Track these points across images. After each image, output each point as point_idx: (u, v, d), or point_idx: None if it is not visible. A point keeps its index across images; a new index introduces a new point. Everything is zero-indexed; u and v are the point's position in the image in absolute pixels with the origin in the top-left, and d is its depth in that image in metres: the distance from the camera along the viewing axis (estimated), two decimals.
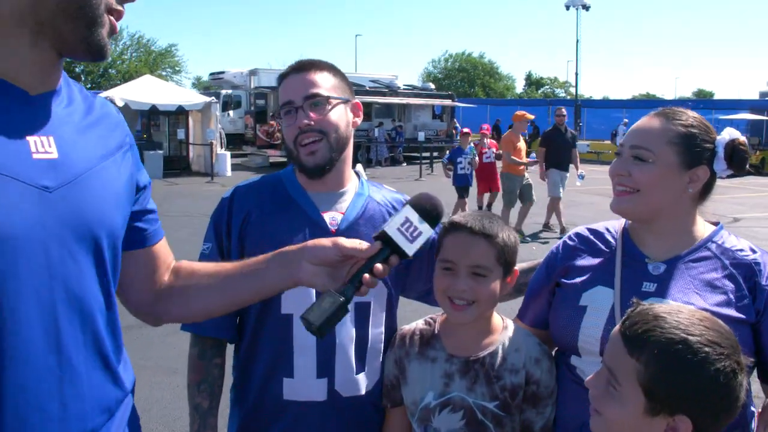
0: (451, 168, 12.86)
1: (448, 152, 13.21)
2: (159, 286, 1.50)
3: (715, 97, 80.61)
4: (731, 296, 1.67)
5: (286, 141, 1.93)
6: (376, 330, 1.97)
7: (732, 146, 1.75)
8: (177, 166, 22.92)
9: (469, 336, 1.86)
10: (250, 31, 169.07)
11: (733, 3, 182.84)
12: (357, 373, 1.93)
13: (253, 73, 31.52)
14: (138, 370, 1.50)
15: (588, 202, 15.74)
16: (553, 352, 1.92)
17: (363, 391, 1.94)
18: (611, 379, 1.31)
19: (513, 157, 11.73)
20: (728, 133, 1.76)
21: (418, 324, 2.00)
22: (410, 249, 1.39)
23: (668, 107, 1.84)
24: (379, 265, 1.38)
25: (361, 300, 1.70)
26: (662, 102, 46.38)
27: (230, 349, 2.02)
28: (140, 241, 1.43)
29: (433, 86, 36.33)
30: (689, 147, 1.72)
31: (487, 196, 13.17)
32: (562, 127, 12.29)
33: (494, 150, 13.02)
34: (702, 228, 1.81)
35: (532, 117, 12.01)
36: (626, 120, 31.80)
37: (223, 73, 34.33)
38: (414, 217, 1.40)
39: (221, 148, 22.61)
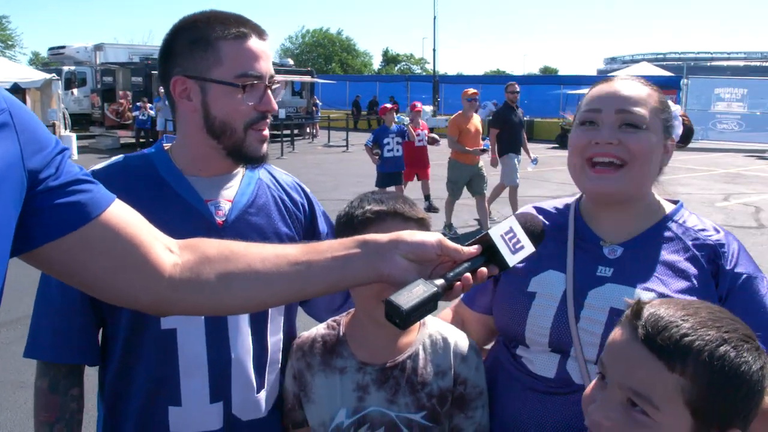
0: (377, 152, 10.93)
1: (371, 135, 11.20)
2: (160, 266, 1.16)
3: (560, 73, 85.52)
4: (695, 281, 1.51)
5: (228, 119, 1.57)
6: (275, 338, 1.70)
7: (682, 118, 1.67)
8: None
9: (382, 339, 1.59)
10: (93, 3, 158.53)
11: None
12: (257, 392, 1.65)
13: (98, 48, 29.47)
14: None
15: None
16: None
17: (264, 412, 1.67)
18: (641, 404, 1.06)
19: (458, 143, 9.89)
20: (676, 107, 1.67)
21: (319, 330, 1.71)
22: (511, 260, 1.29)
23: (634, 76, 1.67)
24: (484, 269, 1.26)
25: None
26: (512, 77, 48.34)
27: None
28: (76, 217, 1.07)
29: (291, 62, 35.70)
30: (668, 115, 1.60)
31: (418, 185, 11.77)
32: (514, 105, 10.68)
33: (427, 132, 11.64)
34: (661, 205, 1.66)
35: (477, 93, 10.22)
36: (495, 101, 32.70)
37: (64, 47, 31.87)
38: (518, 229, 1.32)
39: (65, 129, 21.05)
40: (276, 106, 1.63)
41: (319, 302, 1.85)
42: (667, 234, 1.59)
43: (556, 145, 24.91)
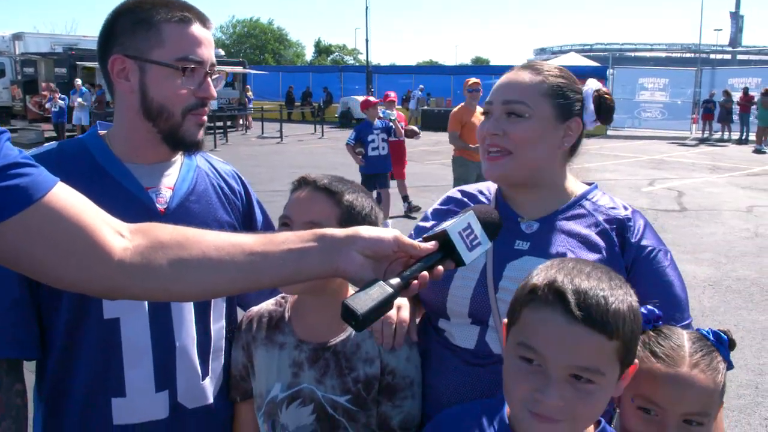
0: (360, 150, 9.88)
1: (353, 132, 10.18)
2: (108, 250, 1.12)
3: (491, 63, 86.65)
4: (604, 253, 1.61)
5: (165, 101, 1.54)
6: (218, 325, 1.70)
7: (598, 96, 1.72)
8: None
9: (321, 319, 1.63)
10: None
11: None
12: (202, 379, 1.64)
13: (17, 37, 28.30)
14: None
15: None
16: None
17: (210, 399, 1.67)
18: (588, 376, 1.13)
19: (461, 138, 8.90)
20: (593, 84, 1.73)
21: (268, 305, 1.75)
22: (468, 257, 1.27)
23: (532, 61, 1.75)
24: (440, 267, 1.24)
25: None
26: (445, 68, 48.74)
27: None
28: (16, 201, 1.03)
29: (223, 53, 35.08)
30: (562, 99, 1.66)
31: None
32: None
33: (403, 125, 10.54)
34: (575, 186, 1.75)
35: (479, 83, 9.17)
36: (422, 86, 32.85)
37: None
38: (477, 225, 1.30)
39: None
40: (215, 94, 1.62)
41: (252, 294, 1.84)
42: (581, 211, 1.69)
43: None
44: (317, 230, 1.25)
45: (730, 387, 4.79)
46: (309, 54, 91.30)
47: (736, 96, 25.55)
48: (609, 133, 27.03)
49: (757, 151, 21.43)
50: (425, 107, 31.28)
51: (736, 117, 25.46)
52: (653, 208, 11.71)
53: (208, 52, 1.59)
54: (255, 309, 1.76)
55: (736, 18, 78.75)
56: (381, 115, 10.04)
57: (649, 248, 1.64)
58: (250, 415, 1.72)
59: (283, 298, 1.75)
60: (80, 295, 1.44)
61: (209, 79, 1.60)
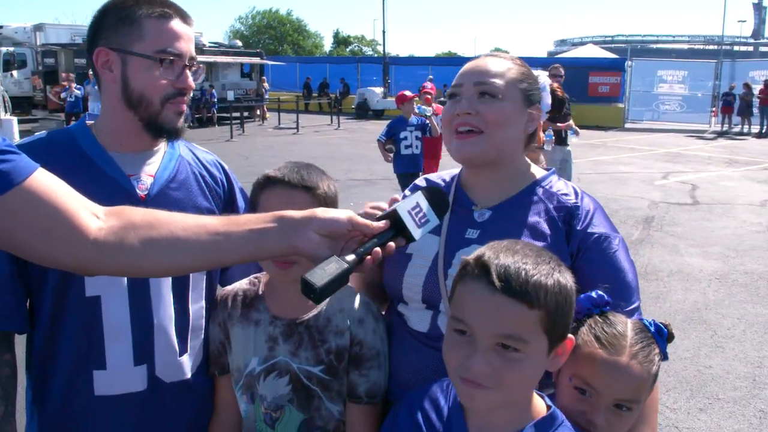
0: (391, 148, 9.26)
1: (385, 127, 9.47)
2: (85, 231, 1.24)
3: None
4: (549, 240, 1.65)
5: (144, 91, 1.66)
6: (197, 305, 1.80)
7: (552, 90, 1.81)
8: None
9: (293, 296, 1.67)
10: None
11: None
12: (180, 356, 1.75)
13: (38, 28, 28.61)
14: None
15: None
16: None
17: (188, 375, 1.77)
18: (513, 344, 1.22)
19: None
20: (545, 78, 1.82)
21: (242, 284, 1.85)
22: (417, 234, 1.41)
23: (495, 51, 1.86)
24: (392, 243, 1.38)
25: None
26: (465, 59, 48.50)
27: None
28: None
29: (240, 44, 35.19)
30: (527, 85, 1.73)
31: None
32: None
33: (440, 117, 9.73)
34: (531, 172, 1.80)
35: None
36: (431, 77, 32.75)
37: (1, 27, 30.80)
38: (424, 204, 1.43)
39: (5, 113, 20.40)
40: (193, 85, 1.73)
41: (235, 274, 1.94)
42: (533, 198, 1.74)
43: None
44: (277, 212, 1.36)
45: (728, 379, 4.84)
46: (327, 45, 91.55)
47: (757, 89, 25.28)
48: (627, 125, 26.91)
49: None
50: (441, 99, 31.23)
51: (756, 110, 25.21)
52: (665, 201, 11.69)
53: (187, 46, 1.69)
54: (229, 288, 1.86)
55: (759, 9, 77.67)
56: (416, 111, 9.35)
57: (596, 235, 1.67)
58: (229, 388, 1.82)
59: (256, 277, 1.86)
60: (64, 273, 1.57)
61: (187, 71, 1.69)
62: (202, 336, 1.82)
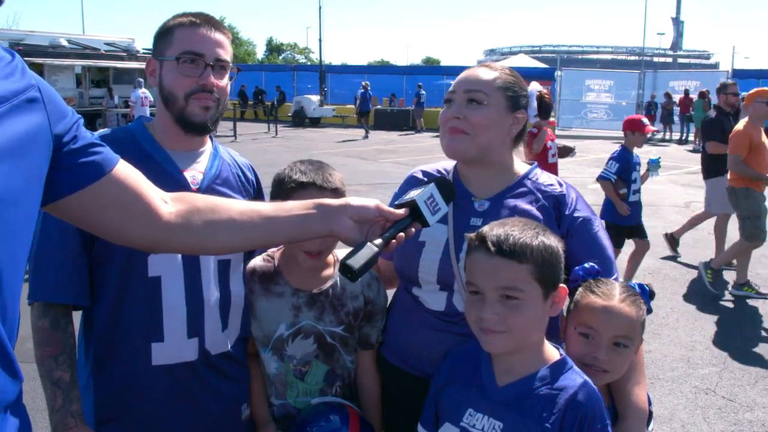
0: (625, 192, 6.80)
1: (611, 161, 6.98)
2: (158, 213, 1.43)
3: (442, 64, 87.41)
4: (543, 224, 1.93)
5: (171, 88, 1.88)
6: (236, 285, 2.01)
7: (540, 96, 2.08)
8: None
9: (307, 272, 2.05)
10: None
11: None
12: (222, 330, 1.97)
13: None
14: None
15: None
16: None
17: (229, 347, 1.99)
18: (512, 294, 1.54)
19: (746, 163, 6.70)
20: (535, 86, 2.10)
21: (256, 262, 2.11)
22: (432, 220, 1.64)
23: (486, 62, 2.09)
24: (411, 229, 1.60)
25: (222, 257, 1.92)
26: (397, 68, 49.16)
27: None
28: (93, 173, 1.31)
29: None
30: (514, 92, 1.99)
31: None
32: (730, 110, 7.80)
33: (558, 143, 7.66)
34: (519, 167, 2.06)
35: None
36: (365, 83, 32.99)
37: None
38: (436, 194, 1.65)
39: None
40: (214, 82, 1.90)
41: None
42: (523, 189, 2.01)
43: None
44: (317, 200, 1.61)
45: (665, 361, 5.26)
46: (260, 53, 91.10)
47: (677, 98, 26.63)
48: (557, 132, 27.78)
49: (696, 151, 22.37)
50: (378, 106, 31.53)
51: (677, 118, 26.53)
52: (598, 204, 12.22)
53: (210, 48, 1.89)
54: (247, 266, 2.11)
55: (677, 23, 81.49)
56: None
57: (581, 218, 1.96)
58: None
59: (268, 255, 2.12)
60: (128, 254, 1.79)
61: (210, 69, 1.88)
62: (241, 313, 2.04)
